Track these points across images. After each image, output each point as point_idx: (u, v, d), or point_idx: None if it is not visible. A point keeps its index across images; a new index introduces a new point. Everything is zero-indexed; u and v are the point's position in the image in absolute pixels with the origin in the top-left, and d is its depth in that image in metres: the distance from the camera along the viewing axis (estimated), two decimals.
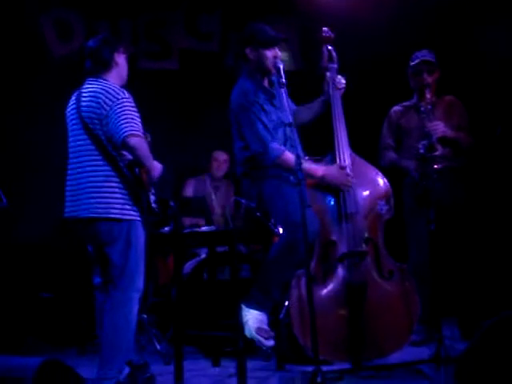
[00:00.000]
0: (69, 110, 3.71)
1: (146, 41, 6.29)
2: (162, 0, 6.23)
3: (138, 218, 3.58)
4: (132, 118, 3.49)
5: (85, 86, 3.64)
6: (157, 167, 3.65)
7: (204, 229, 4.37)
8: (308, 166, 3.64)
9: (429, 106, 4.36)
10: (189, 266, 4.89)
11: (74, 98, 3.68)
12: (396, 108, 4.75)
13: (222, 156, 5.78)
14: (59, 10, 6.13)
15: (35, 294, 5.58)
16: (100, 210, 3.49)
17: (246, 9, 6.18)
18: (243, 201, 4.02)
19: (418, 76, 4.54)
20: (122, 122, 3.46)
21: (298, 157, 3.32)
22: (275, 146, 3.67)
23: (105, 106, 3.50)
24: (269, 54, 3.74)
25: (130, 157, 3.59)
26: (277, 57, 3.73)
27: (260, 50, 3.76)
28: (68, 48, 6.09)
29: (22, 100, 5.81)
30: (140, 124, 3.54)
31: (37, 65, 5.95)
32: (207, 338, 4.11)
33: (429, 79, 4.50)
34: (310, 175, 3.65)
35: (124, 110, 3.48)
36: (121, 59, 3.68)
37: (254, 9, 6.11)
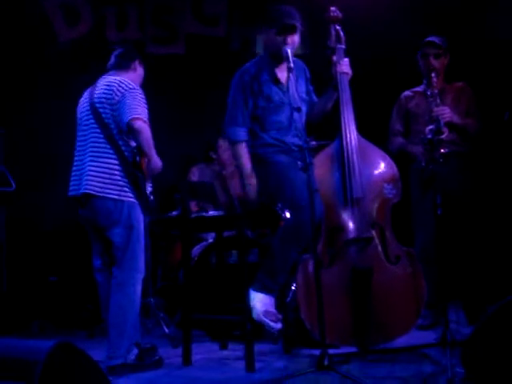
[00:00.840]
0: (81, 102, 3.87)
1: (154, 26, 6.28)
2: None
3: (136, 201, 3.70)
4: (142, 106, 3.65)
5: (99, 81, 3.83)
6: (157, 162, 3.75)
7: (211, 213, 4.39)
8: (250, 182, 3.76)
9: (435, 90, 4.34)
10: (196, 250, 4.91)
11: (86, 92, 3.86)
12: (406, 93, 4.74)
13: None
14: None
15: (44, 278, 5.62)
16: (98, 189, 3.64)
17: None
18: None
19: (425, 59, 4.51)
20: (132, 106, 3.62)
21: (306, 141, 3.33)
22: (240, 132, 3.78)
23: (117, 92, 3.67)
24: (279, 39, 3.71)
25: (134, 145, 3.72)
26: (287, 43, 3.67)
27: (271, 32, 3.75)
28: (74, 32, 6.08)
29: (31, 85, 5.83)
30: (147, 114, 3.68)
31: (42, 49, 5.95)
32: (215, 321, 4.13)
33: (435, 63, 4.47)
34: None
35: (135, 98, 3.65)
36: (139, 68, 3.95)
37: None
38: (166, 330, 4.59)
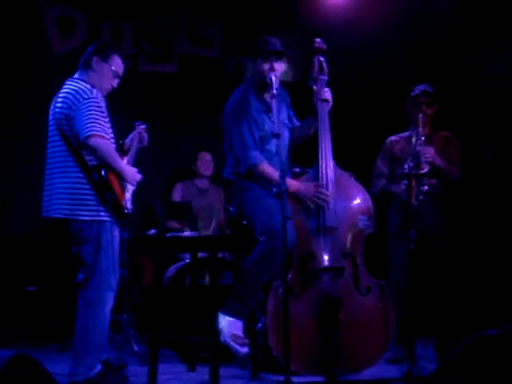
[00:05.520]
0: (50, 110, 3.73)
1: (148, 44, 6.32)
2: (166, 4, 6.27)
3: (108, 219, 3.60)
4: (95, 119, 3.48)
5: (62, 88, 3.68)
6: (128, 171, 3.64)
7: (186, 234, 4.40)
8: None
9: (421, 133, 4.33)
10: (172, 270, 4.91)
11: (54, 100, 3.71)
12: (391, 138, 4.76)
13: (207, 156, 5.86)
14: (64, 8, 6.15)
15: (19, 288, 5.59)
16: (68, 212, 3.56)
17: (248, 18, 6.25)
18: (231, 208, 4.05)
19: (418, 108, 4.50)
20: (85, 122, 3.46)
21: (281, 170, 3.36)
22: (256, 154, 3.76)
23: (73, 106, 3.53)
24: (265, 66, 3.80)
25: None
26: (273, 69, 3.77)
27: (257, 61, 3.85)
28: (68, 45, 6.11)
29: (16, 96, 5.83)
30: (104, 125, 3.53)
31: (36, 60, 5.97)
32: (184, 342, 4.12)
33: (428, 111, 4.50)
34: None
35: (89, 111, 3.48)
36: (101, 66, 3.68)
37: (255, 18, 6.17)
38: (136, 348, 4.57)
